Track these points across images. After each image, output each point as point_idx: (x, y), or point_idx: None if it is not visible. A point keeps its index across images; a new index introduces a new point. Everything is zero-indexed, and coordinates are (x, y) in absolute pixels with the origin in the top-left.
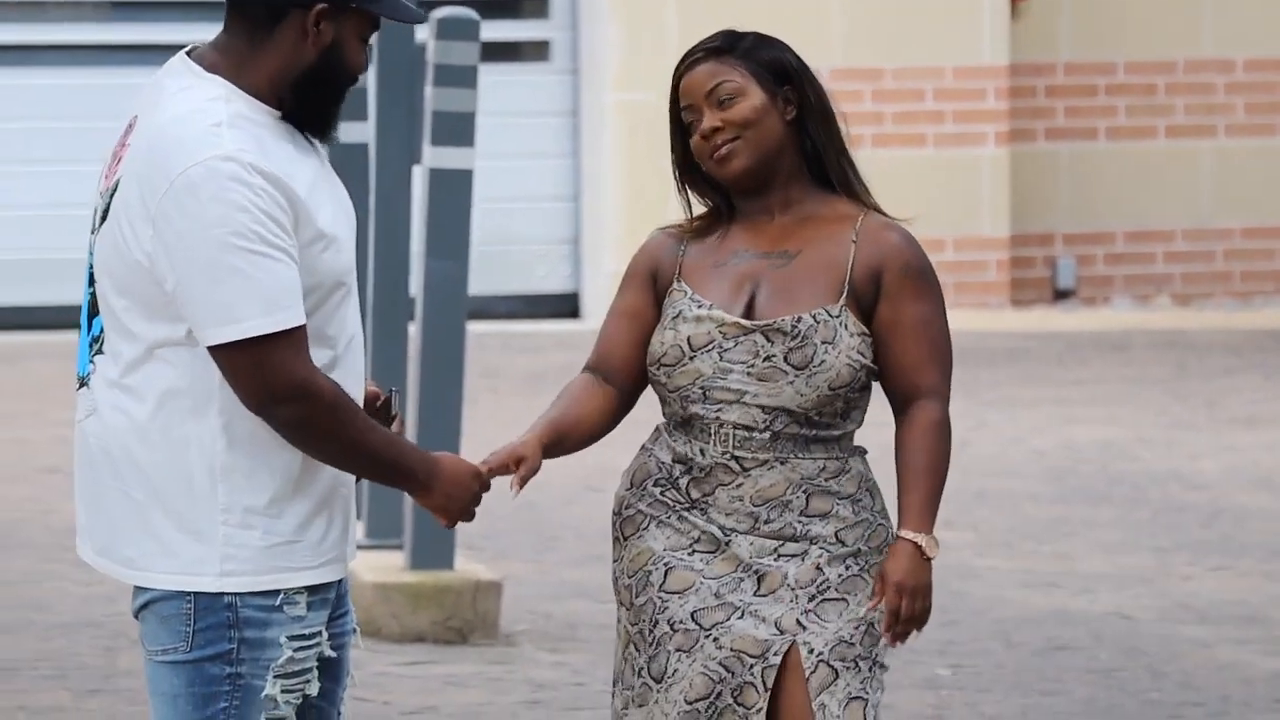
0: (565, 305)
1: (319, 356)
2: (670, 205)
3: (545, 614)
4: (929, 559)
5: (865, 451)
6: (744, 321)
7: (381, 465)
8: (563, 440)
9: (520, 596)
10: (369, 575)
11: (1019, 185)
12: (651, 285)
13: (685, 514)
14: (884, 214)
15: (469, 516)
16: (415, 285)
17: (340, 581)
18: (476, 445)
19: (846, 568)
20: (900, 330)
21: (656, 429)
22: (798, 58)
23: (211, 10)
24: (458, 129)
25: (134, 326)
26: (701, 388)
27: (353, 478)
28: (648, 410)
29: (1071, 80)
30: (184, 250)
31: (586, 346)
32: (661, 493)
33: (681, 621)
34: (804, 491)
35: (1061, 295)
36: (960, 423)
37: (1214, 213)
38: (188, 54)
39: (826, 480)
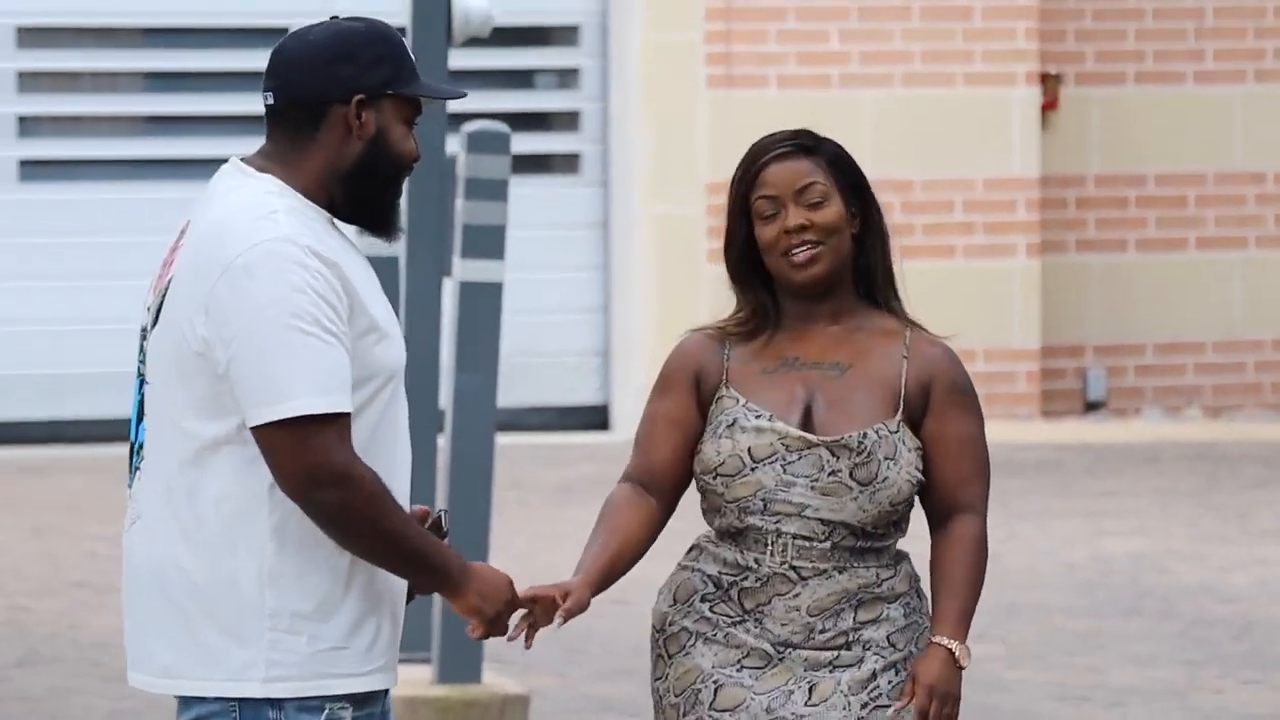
0: (595, 417)
1: (370, 445)
2: (701, 312)
3: None
4: (961, 667)
5: (909, 557)
6: (810, 436)
7: (418, 560)
8: (611, 577)
9: (547, 711)
10: (396, 689)
11: (1049, 296)
12: (695, 390)
13: (733, 629)
14: (926, 330)
15: (501, 628)
16: (445, 398)
17: (385, 697)
18: (505, 559)
19: (896, 673)
20: (945, 446)
21: (696, 545)
22: (860, 169)
23: (249, 124)
24: (488, 242)
25: (186, 424)
26: (763, 500)
27: (403, 586)
28: (677, 519)
29: (1102, 192)
30: (238, 329)
31: (616, 458)
32: (710, 608)
33: None
34: (857, 600)
35: (1092, 407)
36: (991, 534)
37: (1245, 324)
38: (239, 160)
39: (880, 586)
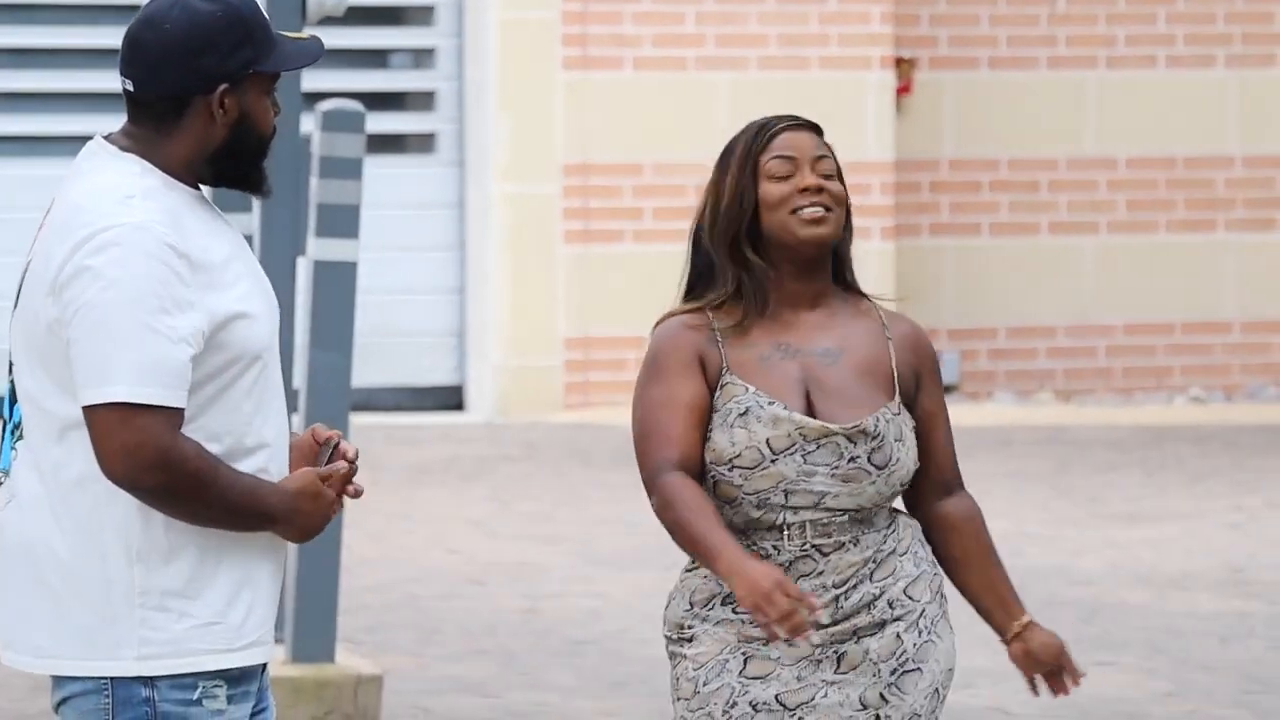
0: (450, 398)
1: (236, 430)
2: (557, 297)
3: (426, 709)
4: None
5: (901, 509)
6: (829, 425)
7: (243, 517)
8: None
9: (401, 691)
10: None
11: (903, 280)
12: (703, 373)
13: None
14: (884, 305)
15: (320, 531)
16: (299, 377)
17: (262, 674)
18: (359, 537)
19: (920, 634)
20: (938, 422)
21: None
22: None
23: (107, 100)
24: (342, 221)
25: (48, 404)
26: (785, 491)
27: (278, 560)
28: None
29: (955, 176)
30: (79, 309)
31: (470, 439)
32: (733, 610)
33: (765, 703)
34: (874, 559)
35: (945, 390)
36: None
37: (1096, 309)
38: (104, 138)
39: (889, 540)
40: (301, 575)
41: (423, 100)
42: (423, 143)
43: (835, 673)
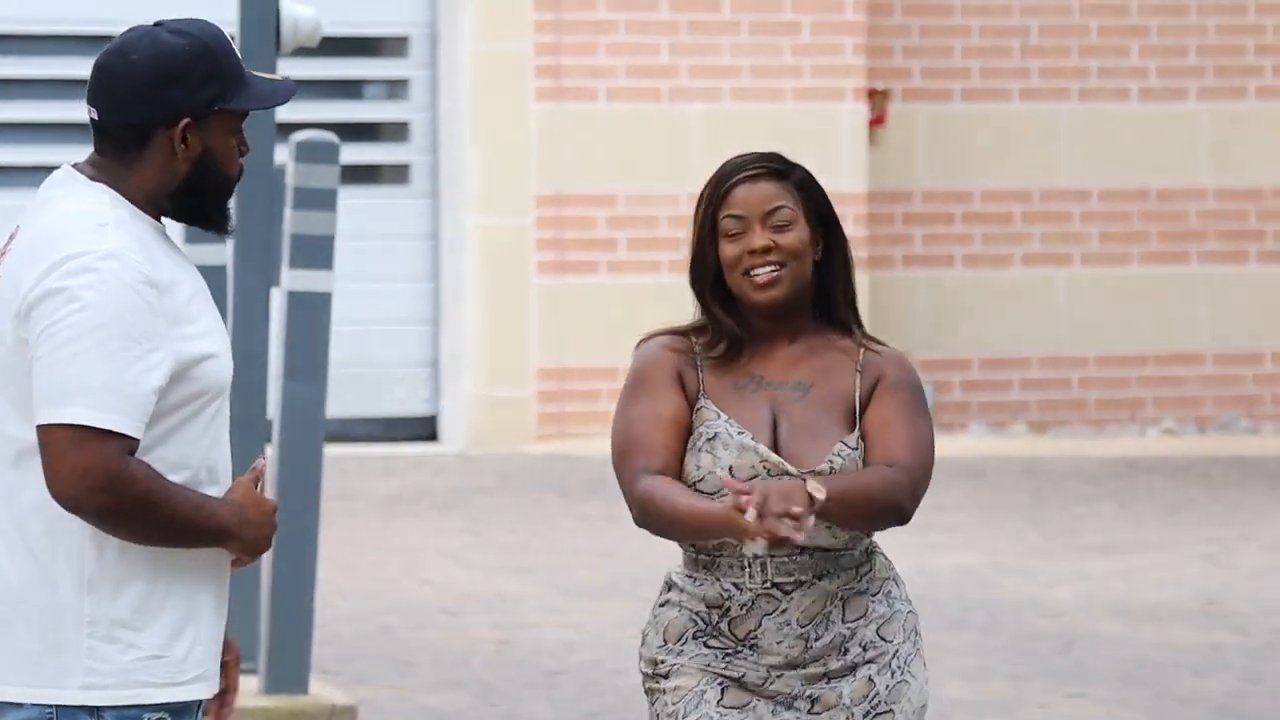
0: (424, 428)
1: (194, 462)
2: (531, 323)
3: None
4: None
5: (878, 548)
6: (789, 467)
7: (195, 534)
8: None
9: None
10: None
11: (876, 311)
12: (682, 389)
13: (734, 658)
14: (881, 344)
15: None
16: (273, 407)
17: (198, 709)
18: (332, 569)
19: (892, 675)
20: (874, 428)
21: (670, 583)
22: (827, 199)
23: (75, 131)
24: (317, 251)
25: (7, 427)
26: None
27: (224, 594)
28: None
29: (929, 208)
30: (45, 330)
31: (444, 469)
32: (704, 644)
33: None
34: (840, 599)
35: None
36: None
37: (1070, 341)
38: (72, 166)
39: (861, 579)
40: (275, 606)
41: (396, 131)
42: (396, 174)
43: (809, 713)
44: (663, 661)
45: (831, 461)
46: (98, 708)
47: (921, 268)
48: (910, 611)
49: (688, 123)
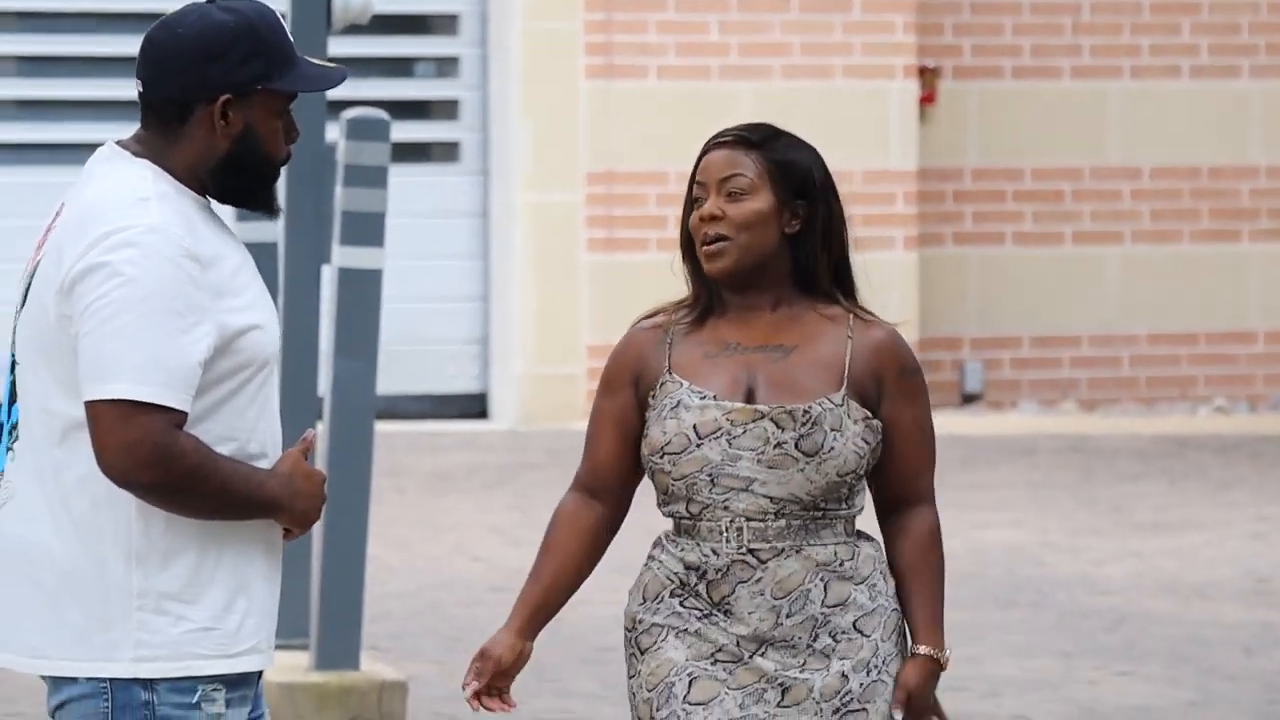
0: (473, 405)
1: (241, 436)
2: (580, 301)
3: (450, 715)
4: (943, 669)
5: (872, 538)
6: (758, 407)
7: (244, 507)
8: (545, 614)
9: (425, 698)
10: (273, 675)
11: (927, 289)
12: (635, 387)
13: (704, 625)
14: (871, 315)
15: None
16: (324, 384)
17: (258, 680)
18: (383, 545)
19: (869, 674)
20: (901, 432)
21: (658, 542)
22: (825, 174)
23: (123, 109)
24: (368, 229)
25: (52, 404)
26: (709, 475)
27: (277, 567)
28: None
29: (979, 185)
30: (89, 306)
31: (494, 446)
32: (680, 603)
33: None
34: (821, 580)
35: (969, 399)
36: (868, 526)
37: (1120, 319)
38: (116, 143)
39: (842, 564)
40: (326, 583)
41: (446, 109)
42: (446, 151)
43: (779, 705)
44: (640, 621)
45: (810, 409)
46: (150, 681)
47: (972, 245)
48: (895, 610)
49: (737, 100)
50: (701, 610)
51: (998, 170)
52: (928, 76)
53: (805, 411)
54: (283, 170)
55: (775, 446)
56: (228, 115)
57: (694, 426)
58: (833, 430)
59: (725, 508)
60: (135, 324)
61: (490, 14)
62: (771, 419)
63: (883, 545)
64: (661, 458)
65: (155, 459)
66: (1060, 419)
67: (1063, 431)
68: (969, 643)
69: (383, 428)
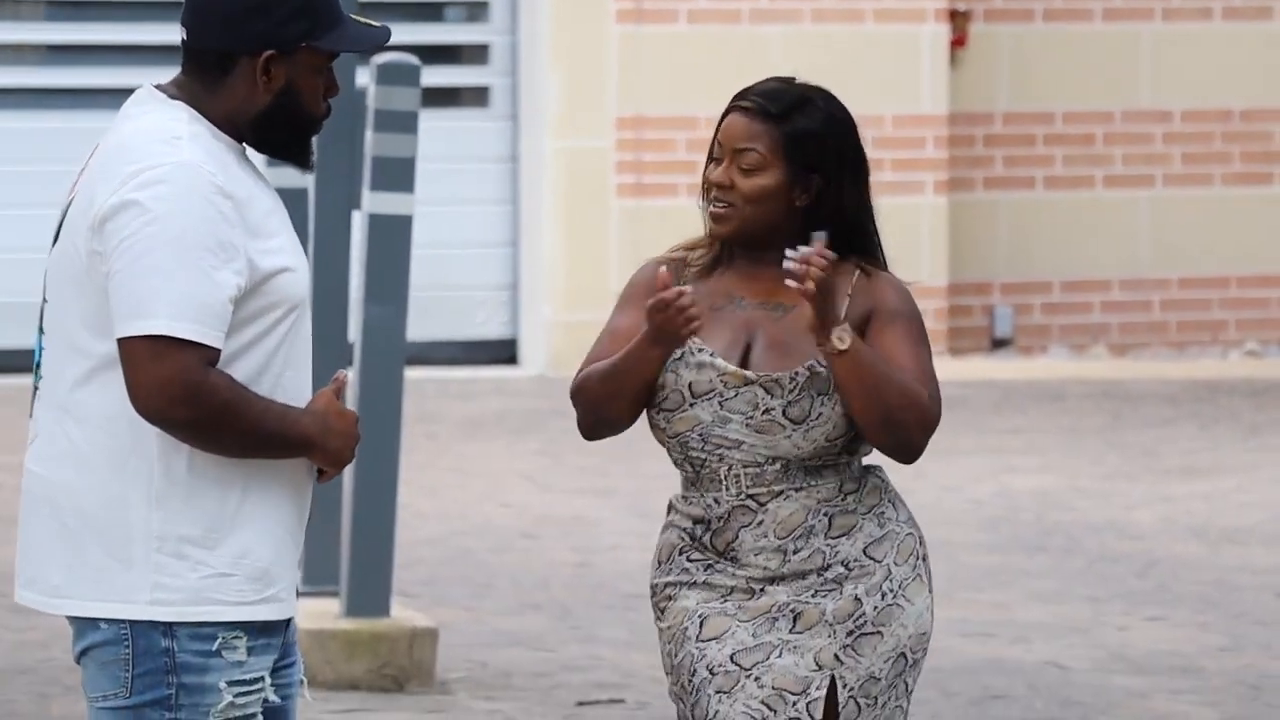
0: (503, 351)
1: (268, 380)
2: (610, 247)
3: (481, 662)
4: (837, 346)
5: (880, 469)
6: (746, 373)
7: (278, 446)
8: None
9: (455, 644)
10: (303, 622)
11: (957, 234)
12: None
13: (712, 573)
14: (880, 271)
15: (350, 460)
16: (354, 330)
17: (288, 629)
18: (414, 492)
19: (883, 597)
20: (885, 357)
21: (670, 505)
22: (845, 142)
23: (156, 53)
24: (398, 174)
25: (79, 341)
26: (700, 435)
27: (301, 519)
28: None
29: (1010, 130)
30: (122, 243)
31: (524, 392)
32: (688, 559)
33: (720, 664)
34: (825, 514)
35: (999, 344)
36: (896, 471)
37: (1151, 263)
38: (154, 86)
39: (845, 498)
40: (356, 530)
41: (476, 54)
42: (476, 96)
43: (791, 631)
44: (656, 586)
45: (797, 375)
46: (170, 625)
47: (1002, 190)
48: (910, 534)
49: (767, 45)
50: (707, 561)
51: (1028, 114)
52: (959, 20)
53: (792, 378)
54: (319, 128)
55: (764, 413)
56: (270, 70)
57: (689, 385)
58: (820, 395)
59: (721, 459)
60: (166, 261)
61: None
62: (761, 385)
63: (887, 475)
64: (658, 413)
65: (188, 395)
66: (1091, 364)
67: (1093, 376)
68: (997, 588)
69: (412, 374)
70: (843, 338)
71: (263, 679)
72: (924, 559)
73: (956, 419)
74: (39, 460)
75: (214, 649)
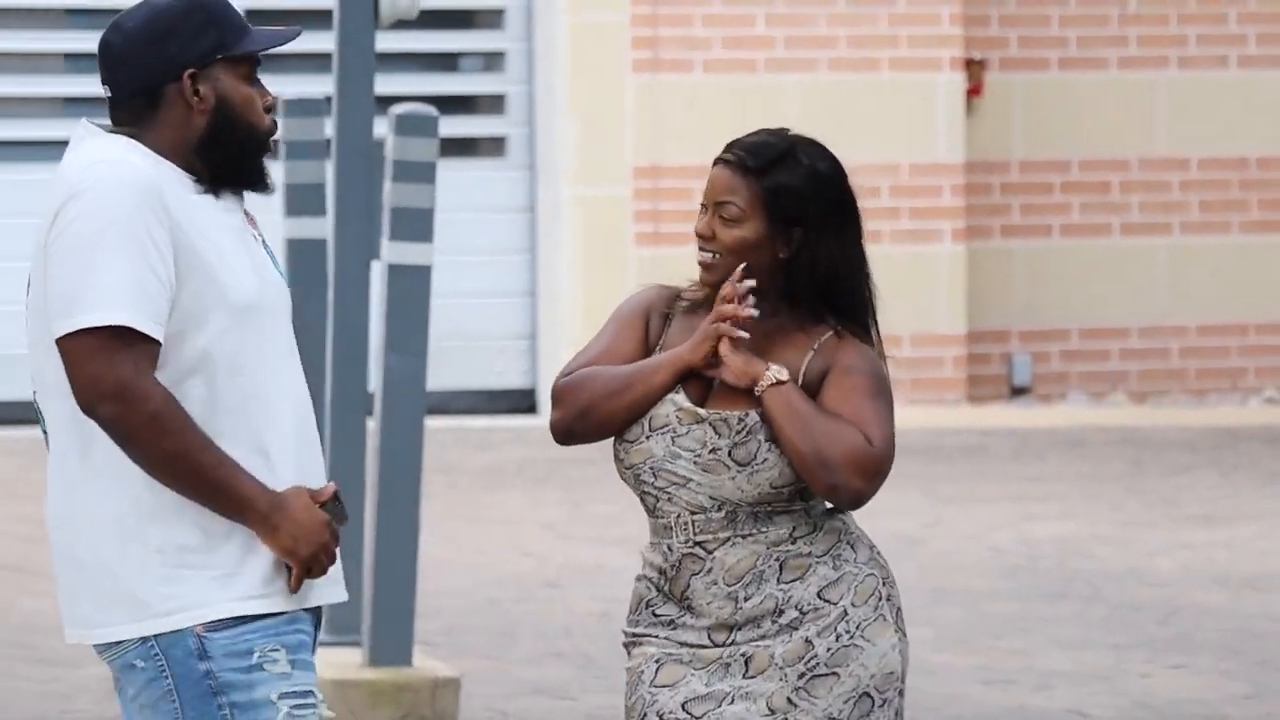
0: (522, 401)
1: (229, 381)
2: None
3: (503, 711)
4: (762, 380)
5: (838, 515)
6: (699, 410)
7: (209, 487)
8: None
9: (478, 694)
10: (327, 672)
11: (975, 282)
12: (645, 329)
13: (673, 625)
14: (853, 336)
15: (320, 571)
16: (374, 381)
17: (312, 625)
18: (434, 540)
19: (838, 638)
20: (834, 407)
21: (641, 552)
22: (827, 198)
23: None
24: (417, 224)
25: (65, 384)
26: (652, 468)
27: None
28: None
29: (1026, 178)
30: (57, 242)
31: (544, 442)
32: (655, 611)
33: (671, 712)
34: (775, 559)
35: (1018, 392)
36: (916, 519)
37: (1169, 310)
38: (89, 121)
39: (796, 543)
40: (378, 579)
41: (493, 104)
42: (493, 146)
43: (744, 677)
44: (626, 634)
45: (746, 417)
46: (202, 643)
47: (1019, 238)
48: (870, 575)
49: (784, 93)
50: (670, 615)
51: (1045, 162)
52: (974, 68)
53: (740, 419)
54: (270, 144)
55: (710, 451)
56: (199, 90)
57: (650, 418)
58: (769, 441)
59: (670, 500)
60: (94, 253)
61: (536, 8)
62: (711, 424)
63: (850, 519)
64: (619, 443)
65: (114, 392)
66: (1110, 411)
67: (1112, 424)
68: (1018, 635)
69: (431, 423)
70: (779, 375)
71: (312, 693)
72: (888, 599)
73: (976, 467)
74: (51, 501)
75: (254, 663)
